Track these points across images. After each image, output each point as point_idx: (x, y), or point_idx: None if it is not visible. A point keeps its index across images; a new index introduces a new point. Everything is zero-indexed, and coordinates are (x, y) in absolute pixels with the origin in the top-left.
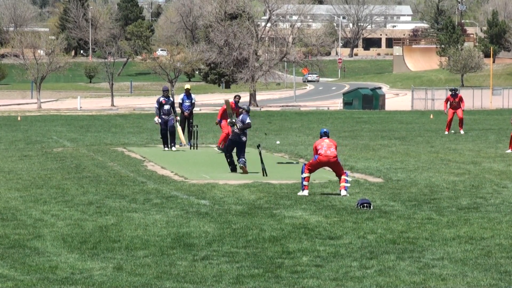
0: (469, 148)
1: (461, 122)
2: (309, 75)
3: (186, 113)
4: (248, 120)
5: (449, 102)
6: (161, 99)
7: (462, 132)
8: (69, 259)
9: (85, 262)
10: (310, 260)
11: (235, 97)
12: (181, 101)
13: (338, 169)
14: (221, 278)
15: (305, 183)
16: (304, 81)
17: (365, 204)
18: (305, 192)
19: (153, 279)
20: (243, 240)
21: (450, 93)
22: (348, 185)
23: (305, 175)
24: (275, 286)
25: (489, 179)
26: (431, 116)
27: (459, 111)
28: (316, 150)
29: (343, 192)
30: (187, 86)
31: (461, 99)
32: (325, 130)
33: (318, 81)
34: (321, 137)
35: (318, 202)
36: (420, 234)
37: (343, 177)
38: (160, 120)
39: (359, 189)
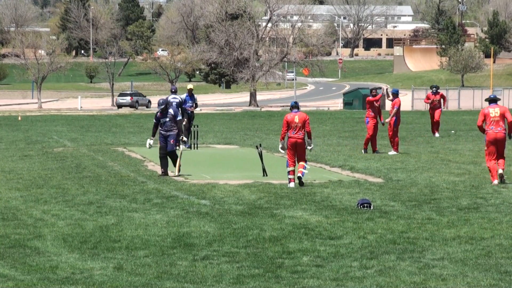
0: (469, 148)
1: (437, 124)
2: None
3: (192, 108)
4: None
5: (430, 101)
6: (158, 113)
7: (437, 135)
8: (70, 259)
9: (86, 262)
10: (311, 260)
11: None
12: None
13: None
14: (221, 278)
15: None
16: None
17: (365, 204)
18: (291, 184)
19: (154, 279)
20: (243, 240)
21: (430, 91)
22: (306, 171)
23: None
24: (275, 286)
25: (489, 179)
26: None
27: (437, 113)
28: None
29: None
30: (190, 86)
31: (442, 97)
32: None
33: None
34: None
35: (319, 202)
36: (420, 234)
37: (302, 163)
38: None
39: (359, 189)
